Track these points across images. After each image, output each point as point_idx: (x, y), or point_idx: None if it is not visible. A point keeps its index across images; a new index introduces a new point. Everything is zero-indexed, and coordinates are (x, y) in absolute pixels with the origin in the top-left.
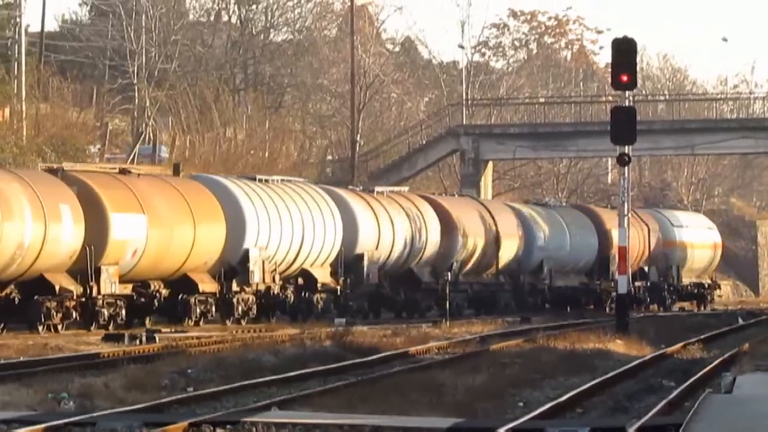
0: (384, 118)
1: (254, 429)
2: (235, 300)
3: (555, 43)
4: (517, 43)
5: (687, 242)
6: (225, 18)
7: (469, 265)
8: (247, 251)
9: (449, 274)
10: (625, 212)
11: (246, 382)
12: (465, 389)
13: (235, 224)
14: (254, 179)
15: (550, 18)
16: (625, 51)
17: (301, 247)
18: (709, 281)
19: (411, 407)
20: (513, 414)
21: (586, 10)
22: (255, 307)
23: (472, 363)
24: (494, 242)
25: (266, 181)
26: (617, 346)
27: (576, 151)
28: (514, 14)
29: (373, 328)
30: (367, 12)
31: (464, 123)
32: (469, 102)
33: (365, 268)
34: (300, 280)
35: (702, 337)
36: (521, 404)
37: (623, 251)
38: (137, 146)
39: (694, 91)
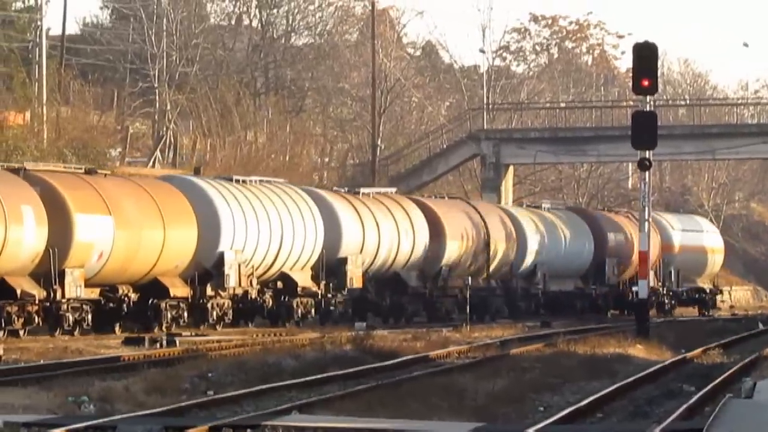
0: (405, 122)
1: None
2: (209, 305)
3: (576, 48)
4: (538, 48)
5: (686, 246)
6: (246, 22)
7: (459, 270)
8: (222, 254)
9: (470, 278)
10: (646, 217)
11: (266, 386)
12: (485, 393)
13: (209, 226)
14: (231, 180)
15: (571, 22)
16: (646, 56)
17: (279, 250)
18: (711, 286)
19: (431, 411)
20: (533, 418)
21: (607, 15)
22: (231, 312)
23: (492, 367)
24: (485, 246)
25: (243, 182)
26: (637, 350)
27: (597, 155)
28: (535, 19)
29: (393, 332)
30: (388, 16)
31: (485, 127)
32: (490, 106)
33: (348, 272)
34: (279, 284)
35: (722, 341)
36: (542, 409)
37: (644, 256)
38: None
39: (715, 96)
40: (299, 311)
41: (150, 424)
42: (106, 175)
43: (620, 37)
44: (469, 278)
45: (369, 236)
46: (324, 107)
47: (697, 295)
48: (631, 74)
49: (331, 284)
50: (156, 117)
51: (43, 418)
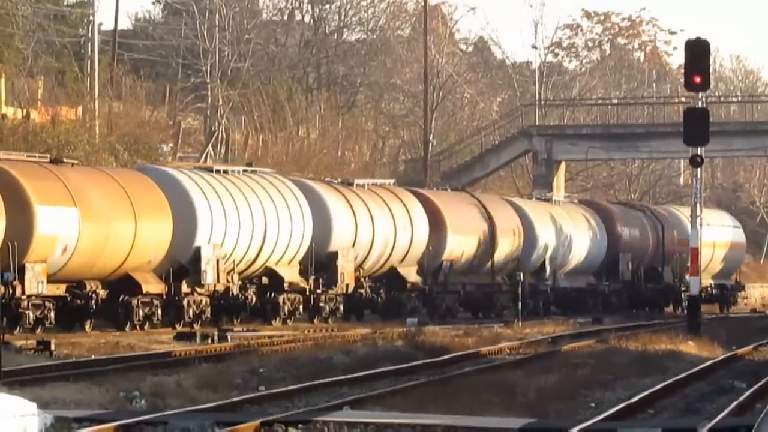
0: (457, 118)
1: (326, 428)
2: (185, 302)
3: (628, 44)
4: (590, 44)
5: (705, 242)
6: (298, 17)
7: (461, 265)
8: (198, 249)
9: (521, 274)
10: (698, 213)
11: (317, 382)
12: (536, 390)
13: (185, 220)
14: (211, 170)
15: (623, 19)
16: (698, 52)
17: (263, 244)
18: (733, 283)
19: (482, 407)
20: (584, 415)
21: (659, 11)
22: (209, 309)
23: (543, 363)
24: (490, 240)
25: (225, 172)
26: (689, 347)
27: (648, 152)
28: (587, 15)
29: (444, 328)
30: (440, 12)
31: (537, 123)
32: (542, 102)
33: (339, 267)
34: (265, 280)
35: None
36: (593, 405)
37: (695, 252)
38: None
39: (767, 92)
40: (286, 308)
41: (201, 419)
42: (73, 164)
43: (672, 33)
44: (521, 275)
45: (362, 229)
46: (376, 103)
47: (717, 292)
48: (683, 70)
49: (320, 280)
50: (208, 112)
51: (94, 414)
